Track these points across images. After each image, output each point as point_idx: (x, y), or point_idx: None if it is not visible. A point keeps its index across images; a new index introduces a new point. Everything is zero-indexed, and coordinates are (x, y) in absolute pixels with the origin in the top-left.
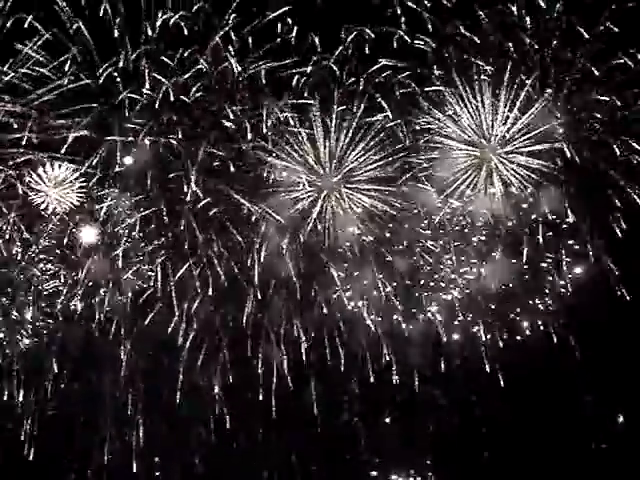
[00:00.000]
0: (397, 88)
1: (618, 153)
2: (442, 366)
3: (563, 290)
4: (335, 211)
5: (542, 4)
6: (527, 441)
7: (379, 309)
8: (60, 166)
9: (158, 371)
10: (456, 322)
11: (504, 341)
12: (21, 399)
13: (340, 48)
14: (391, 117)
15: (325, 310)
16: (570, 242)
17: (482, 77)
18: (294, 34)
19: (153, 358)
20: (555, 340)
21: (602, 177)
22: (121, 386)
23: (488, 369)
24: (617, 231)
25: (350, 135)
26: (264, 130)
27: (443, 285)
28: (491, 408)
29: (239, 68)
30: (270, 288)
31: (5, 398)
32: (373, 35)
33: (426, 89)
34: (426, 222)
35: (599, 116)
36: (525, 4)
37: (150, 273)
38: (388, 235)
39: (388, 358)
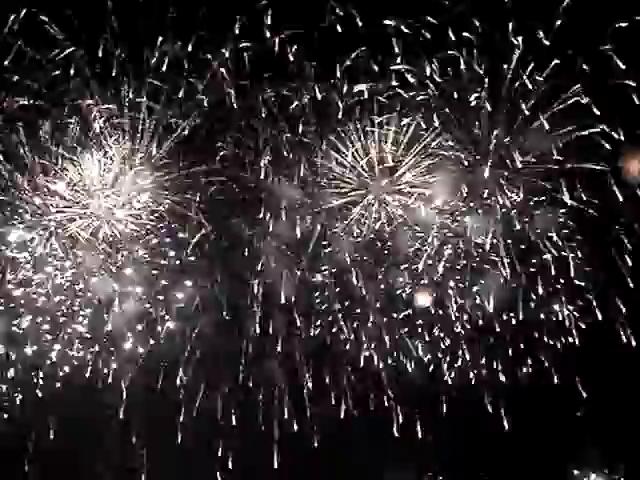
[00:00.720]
0: (393, 112)
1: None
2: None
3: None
4: (334, 234)
5: (541, 35)
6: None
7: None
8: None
9: (160, 400)
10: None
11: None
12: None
13: (337, 74)
14: (389, 141)
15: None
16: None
17: (477, 101)
18: (291, 61)
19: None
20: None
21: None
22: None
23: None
24: (624, 273)
25: (347, 158)
26: (262, 156)
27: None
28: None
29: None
30: (271, 315)
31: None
32: (369, 61)
33: (421, 113)
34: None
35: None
36: (519, 28)
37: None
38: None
39: (390, 392)
